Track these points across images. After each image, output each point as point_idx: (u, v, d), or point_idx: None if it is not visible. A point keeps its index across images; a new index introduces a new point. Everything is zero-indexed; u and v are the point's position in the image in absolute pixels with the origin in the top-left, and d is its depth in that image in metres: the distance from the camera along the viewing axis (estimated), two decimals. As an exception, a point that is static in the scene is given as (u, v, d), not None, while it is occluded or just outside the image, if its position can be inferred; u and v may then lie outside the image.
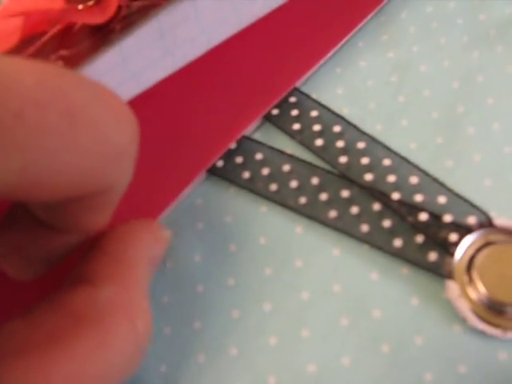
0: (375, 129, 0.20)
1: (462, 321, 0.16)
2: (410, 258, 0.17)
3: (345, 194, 0.19)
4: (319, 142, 0.20)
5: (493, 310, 0.16)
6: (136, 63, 0.20)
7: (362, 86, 0.21)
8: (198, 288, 0.18)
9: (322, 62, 0.22)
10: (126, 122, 0.13)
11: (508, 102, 0.20)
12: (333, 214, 0.18)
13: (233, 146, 0.20)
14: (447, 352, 0.16)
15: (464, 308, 0.16)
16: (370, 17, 0.23)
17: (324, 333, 0.17)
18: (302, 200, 0.19)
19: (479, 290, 0.16)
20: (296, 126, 0.20)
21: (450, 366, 0.16)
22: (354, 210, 0.18)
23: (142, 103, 0.21)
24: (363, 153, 0.19)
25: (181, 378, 0.17)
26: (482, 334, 0.16)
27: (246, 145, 0.20)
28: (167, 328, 0.18)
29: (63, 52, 0.19)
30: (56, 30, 0.20)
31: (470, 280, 0.17)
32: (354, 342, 0.17)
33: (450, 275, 0.17)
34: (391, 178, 0.19)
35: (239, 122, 0.21)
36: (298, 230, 0.19)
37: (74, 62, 0.19)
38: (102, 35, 0.20)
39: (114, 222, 0.16)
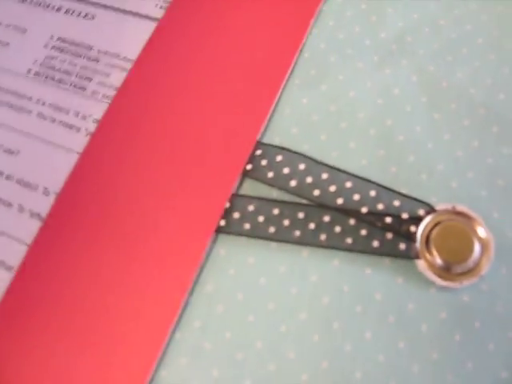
0: (332, 156, 0.26)
1: (433, 284, 0.24)
2: (387, 252, 0.24)
3: (326, 218, 0.25)
4: (293, 183, 0.26)
5: (449, 269, 0.24)
6: None
7: (310, 122, 0.27)
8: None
9: (271, 109, 0.27)
10: None
11: (421, 105, 0.26)
12: (323, 236, 0.25)
13: (227, 205, 0.26)
14: (431, 308, 0.24)
15: (431, 275, 0.24)
16: (297, 55, 0.28)
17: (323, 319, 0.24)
18: (297, 233, 0.25)
19: (437, 259, 0.24)
20: (270, 175, 0.26)
21: (435, 316, 0.24)
22: (337, 229, 0.25)
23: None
24: (329, 182, 0.26)
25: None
26: (448, 288, 0.24)
27: (238, 201, 0.26)
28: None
29: None
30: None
31: (430, 253, 0.24)
32: (361, 323, 0.24)
33: (417, 256, 0.24)
34: (356, 197, 0.25)
35: (225, 185, 0.26)
36: (304, 254, 0.25)
37: None
38: None
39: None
